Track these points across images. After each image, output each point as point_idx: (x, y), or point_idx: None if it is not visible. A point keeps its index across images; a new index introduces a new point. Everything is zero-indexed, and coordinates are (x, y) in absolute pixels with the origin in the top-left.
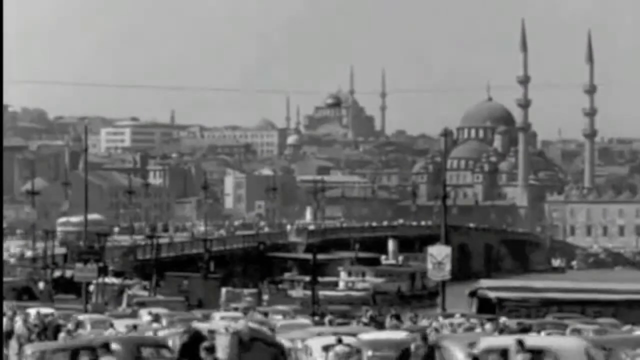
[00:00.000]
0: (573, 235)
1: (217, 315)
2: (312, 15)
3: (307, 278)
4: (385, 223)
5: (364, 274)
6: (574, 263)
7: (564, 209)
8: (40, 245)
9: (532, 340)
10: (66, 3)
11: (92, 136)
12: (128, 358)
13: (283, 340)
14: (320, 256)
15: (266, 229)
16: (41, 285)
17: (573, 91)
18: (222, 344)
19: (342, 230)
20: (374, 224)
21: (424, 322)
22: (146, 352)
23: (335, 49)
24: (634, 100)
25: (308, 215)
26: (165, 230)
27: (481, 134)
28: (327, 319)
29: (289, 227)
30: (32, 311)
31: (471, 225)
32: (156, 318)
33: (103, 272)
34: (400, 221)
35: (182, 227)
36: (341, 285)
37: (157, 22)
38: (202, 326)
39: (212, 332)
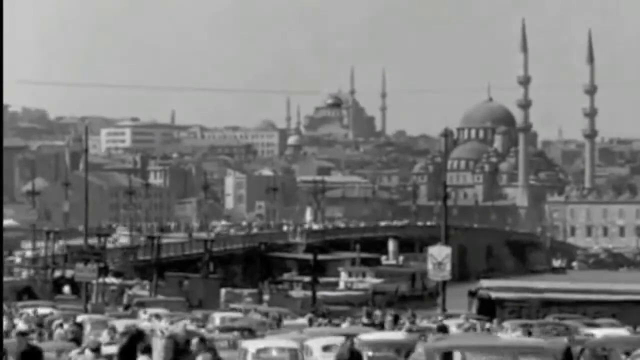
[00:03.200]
0: (573, 236)
1: (217, 315)
2: (312, 15)
3: (307, 278)
4: (394, 223)
5: (364, 275)
6: (574, 264)
7: (564, 210)
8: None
9: None
10: (67, 3)
11: (93, 136)
12: None
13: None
14: (321, 256)
15: (255, 230)
16: (66, 289)
17: (573, 91)
18: (158, 348)
19: (342, 230)
20: (383, 223)
21: (423, 322)
22: None
23: (335, 49)
24: (634, 100)
25: (308, 215)
26: (166, 230)
27: (481, 134)
28: (306, 317)
29: (284, 228)
30: (30, 310)
31: (473, 225)
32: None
33: (103, 272)
34: (406, 221)
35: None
36: (341, 285)
37: (158, 22)
38: (145, 326)
39: (152, 331)
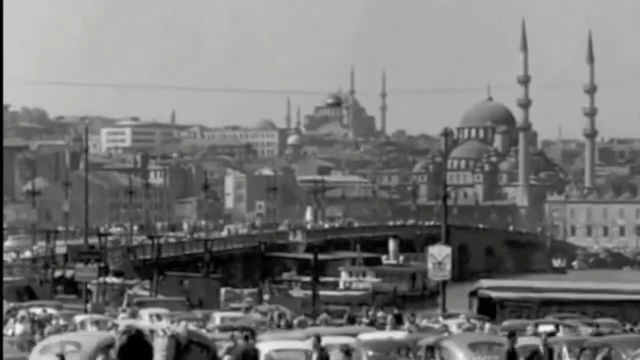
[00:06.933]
0: (574, 236)
1: (217, 315)
2: (312, 15)
3: (307, 278)
4: (402, 223)
5: (364, 274)
6: (574, 263)
7: (564, 209)
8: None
9: None
10: (67, 3)
11: (93, 136)
12: None
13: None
14: (322, 256)
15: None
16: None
17: (573, 91)
18: (159, 347)
19: (343, 230)
20: (391, 224)
21: (424, 322)
22: None
23: (335, 49)
24: (634, 100)
25: (308, 215)
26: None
27: (481, 134)
28: (276, 314)
29: (280, 227)
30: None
31: (473, 225)
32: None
33: (103, 272)
34: (411, 222)
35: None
36: (341, 285)
37: (158, 22)
38: (144, 325)
39: (152, 331)
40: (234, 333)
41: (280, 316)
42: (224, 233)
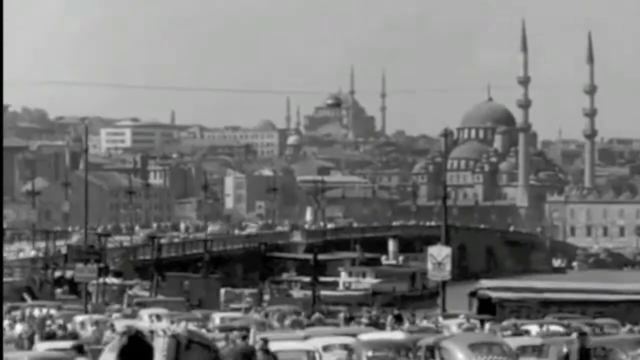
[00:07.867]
0: (573, 236)
1: (217, 315)
2: (312, 15)
3: (306, 278)
4: (402, 223)
5: (364, 275)
6: (574, 264)
7: (564, 210)
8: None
9: None
10: (66, 3)
11: (93, 136)
12: None
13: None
14: (321, 256)
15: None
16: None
17: (573, 91)
18: (160, 347)
19: (343, 230)
20: (395, 223)
21: (424, 323)
22: None
23: (335, 49)
24: (634, 100)
25: (308, 215)
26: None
27: (481, 134)
28: (263, 314)
29: (279, 228)
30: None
31: (479, 226)
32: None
33: (103, 272)
34: (410, 222)
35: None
36: (341, 285)
37: (157, 22)
38: (144, 326)
39: (152, 332)
40: (231, 333)
41: (268, 315)
42: (211, 228)
